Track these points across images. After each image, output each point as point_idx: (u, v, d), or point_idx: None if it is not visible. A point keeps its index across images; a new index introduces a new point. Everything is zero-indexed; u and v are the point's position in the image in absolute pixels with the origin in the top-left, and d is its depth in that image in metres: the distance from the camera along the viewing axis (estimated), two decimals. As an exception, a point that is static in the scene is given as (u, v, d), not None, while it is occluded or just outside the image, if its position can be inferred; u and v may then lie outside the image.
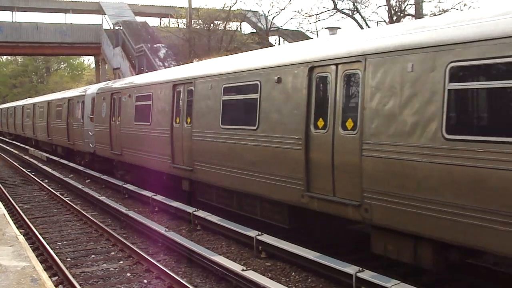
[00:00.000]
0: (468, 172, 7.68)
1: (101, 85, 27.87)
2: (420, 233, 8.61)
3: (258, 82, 12.58)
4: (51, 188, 22.64)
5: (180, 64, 32.35)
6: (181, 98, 16.53)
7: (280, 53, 13.16)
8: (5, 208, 16.84)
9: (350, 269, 9.34)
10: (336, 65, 10.29)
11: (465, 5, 31.06)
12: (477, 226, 7.60)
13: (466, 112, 8.12)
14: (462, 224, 7.79)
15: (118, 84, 24.02)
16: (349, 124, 9.88)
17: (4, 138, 65.72)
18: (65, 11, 62.66)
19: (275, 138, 11.87)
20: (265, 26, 45.50)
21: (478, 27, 7.75)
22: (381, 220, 9.29)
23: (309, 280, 10.45)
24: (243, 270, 9.91)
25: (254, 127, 12.60)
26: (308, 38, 42.06)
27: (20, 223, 15.83)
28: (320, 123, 10.62)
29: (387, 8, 33.66)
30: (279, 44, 51.40)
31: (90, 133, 26.26)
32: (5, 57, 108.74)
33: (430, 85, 8.29)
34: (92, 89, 27.97)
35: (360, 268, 9.23)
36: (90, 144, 26.25)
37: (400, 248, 9.33)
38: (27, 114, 47.30)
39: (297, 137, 11.11)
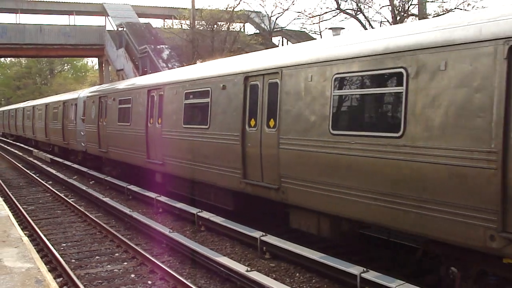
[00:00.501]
0: (346, 159, 10.00)
1: (92, 89, 30.26)
2: (321, 209, 10.94)
3: (209, 89, 15.08)
4: (55, 189, 22.68)
5: (184, 65, 32.40)
6: (154, 102, 18.97)
7: (226, 65, 15.49)
8: (10, 210, 16.85)
9: (355, 269, 9.35)
10: (263, 75, 12.72)
11: (468, 4, 31.05)
12: (358, 203, 9.73)
13: (343, 113, 10.54)
14: (348, 201, 9.97)
15: (105, 88, 26.77)
16: (271, 123, 12.30)
17: (6, 139, 66.77)
18: (69, 13, 62.74)
19: (221, 135, 14.39)
20: (268, 26, 45.54)
21: (350, 48, 10.31)
22: (293, 200, 11.67)
23: (313, 280, 10.45)
24: (247, 271, 9.91)
25: (207, 126, 15.09)
26: (311, 38, 42.07)
27: (24, 225, 15.86)
28: (252, 122, 13.08)
29: (390, 8, 33.61)
30: (282, 44, 51.38)
31: (82, 133, 28.58)
32: (9, 59, 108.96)
33: (322, 92, 10.71)
34: (84, 93, 30.33)
35: (365, 269, 9.24)
36: (82, 143, 28.67)
37: (309, 223, 11.73)
38: (27, 116, 49.87)
39: (236, 134, 13.56)
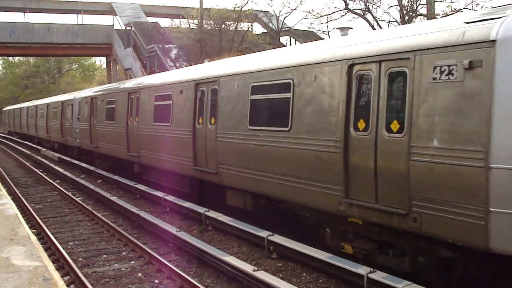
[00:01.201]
0: (258, 148, 12.99)
1: (86, 91, 33.42)
2: (244, 188, 13.95)
3: (171, 93, 18.25)
4: (63, 188, 22.75)
5: (191, 65, 32.45)
6: (133, 103, 22.14)
7: (183, 73, 18.88)
8: (18, 208, 16.90)
9: (362, 269, 9.33)
10: (207, 83, 15.85)
11: (477, 4, 30.91)
12: (266, 182, 12.66)
13: (256, 113, 13.32)
14: (260, 180, 12.89)
15: (95, 90, 30.06)
16: (212, 121, 15.38)
17: (11, 137, 68.18)
18: (77, 12, 62.93)
19: (179, 130, 17.27)
20: (276, 26, 45.47)
21: (261, 64, 13.52)
22: (227, 182, 14.68)
23: (320, 280, 10.44)
24: (254, 270, 9.90)
25: (169, 124, 18.17)
26: (319, 38, 42.01)
27: (32, 223, 15.91)
28: (200, 120, 16.14)
29: (398, 8, 33.50)
30: (290, 44, 51.35)
31: (77, 131, 31.73)
32: (17, 58, 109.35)
33: (244, 97, 13.70)
34: (79, 94, 33.29)
35: (372, 269, 9.22)
36: (77, 140, 31.93)
37: (239, 200, 14.60)
38: (31, 115, 53.08)
39: (189, 129, 16.57)
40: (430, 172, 8.50)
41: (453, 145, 8.18)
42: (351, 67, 10.20)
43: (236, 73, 14.44)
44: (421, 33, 9.05)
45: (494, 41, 7.69)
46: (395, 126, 9.22)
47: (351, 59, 10.20)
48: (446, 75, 8.34)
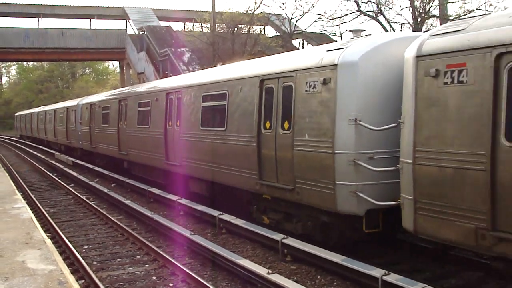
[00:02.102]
0: (207, 144, 16.50)
1: (87, 98, 37.52)
2: (201, 177, 17.40)
3: (149, 100, 21.92)
4: (77, 192, 22.85)
5: (204, 68, 32.55)
6: (122, 109, 25.82)
7: (156, 84, 23.42)
8: (32, 212, 17.00)
9: (376, 272, 9.29)
10: (174, 92, 19.45)
11: (490, 5, 30.72)
12: (215, 171, 16.00)
13: (205, 116, 16.87)
14: (209, 170, 16.40)
15: (94, 98, 34.26)
16: (178, 123, 18.84)
17: (23, 141, 69.89)
18: (90, 17, 63.29)
19: (155, 132, 20.89)
20: (288, 29, 45.38)
21: (208, 78, 17.29)
22: (189, 172, 18.11)
23: (335, 283, 10.41)
24: (268, 273, 9.89)
25: (148, 126, 21.75)
26: (332, 40, 41.89)
27: (47, 227, 15.99)
28: (170, 123, 19.63)
29: (411, 10, 33.37)
30: (303, 47, 51.28)
31: (79, 133, 35.41)
32: (31, 63, 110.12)
33: (198, 104, 17.23)
34: (82, 101, 37.11)
35: (386, 271, 9.18)
36: (80, 142, 35.55)
37: (198, 187, 18.00)
38: (41, 120, 56.58)
39: (161, 131, 20.18)
40: (304, 158, 11.85)
41: (316, 138, 11.51)
42: (262, 82, 13.61)
43: (193, 85, 18.15)
44: (301, 58, 12.99)
45: (336, 65, 11.06)
46: (286, 125, 12.57)
47: (262, 75, 13.66)
48: (312, 88, 11.68)
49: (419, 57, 9.04)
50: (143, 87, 25.25)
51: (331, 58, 11.28)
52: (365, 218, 10.84)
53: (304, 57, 13.02)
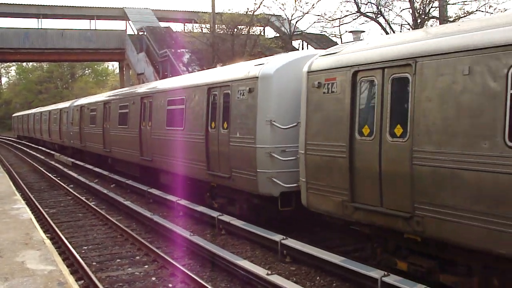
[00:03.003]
0: (170, 141, 19.15)
1: (77, 101, 40.17)
2: (166, 170, 20.36)
3: (128, 104, 24.85)
4: (77, 193, 22.85)
5: (204, 69, 32.59)
6: (106, 111, 28.85)
7: (132, 90, 26.63)
8: (32, 213, 17.00)
9: (375, 273, 9.31)
10: (147, 97, 22.49)
11: (490, 6, 30.81)
12: (177, 165, 18.60)
13: (169, 118, 19.50)
14: (175, 164, 18.89)
15: (84, 100, 37.09)
16: (149, 124, 21.69)
17: (20, 141, 71.57)
18: (90, 17, 63.23)
19: (131, 131, 23.79)
20: (288, 30, 45.36)
21: (173, 84, 20.38)
22: (158, 166, 21.10)
23: (334, 284, 10.42)
24: (267, 274, 9.89)
25: (126, 126, 24.62)
26: (332, 41, 41.98)
27: (46, 228, 16.00)
28: (143, 123, 22.53)
29: (411, 11, 33.39)
30: (302, 48, 51.28)
31: (71, 133, 38.38)
32: (31, 63, 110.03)
33: (164, 107, 20.06)
34: (73, 103, 39.90)
35: (385, 273, 9.20)
36: (71, 141, 38.53)
37: (166, 179, 20.96)
38: (37, 121, 59.73)
39: (136, 130, 23.06)
40: (236, 151, 14.62)
41: (244, 135, 14.27)
42: (209, 89, 16.49)
43: (161, 91, 21.34)
44: (236, 71, 15.60)
45: (257, 77, 13.91)
46: (225, 125, 15.37)
47: (209, 84, 16.61)
48: (242, 95, 14.49)
49: (309, 72, 11.79)
50: (123, 92, 28.42)
51: (255, 71, 14.21)
52: (280, 199, 13.54)
53: (238, 70, 15.56)
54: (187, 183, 18.75)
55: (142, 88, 24.83)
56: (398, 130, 9.42)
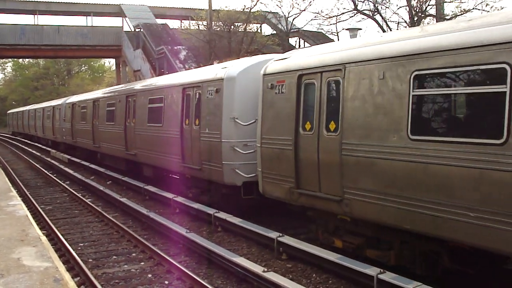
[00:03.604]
0: (150, 137, 21.23)
1: (69, 98, 42.40)
2: (146, 163, 22.30)
3: (114, 102, 26.71)
4: (73, 189, 22.82)
5: (201, 66, 32.57)
6: (95, 109, 30.57)
7: (116, 90, 28.72)
8: (28, 209, 16.98)
9: (371, 270, 9.32)
10: (131, 96, 24.28)
11: (487, 5, 30.73)
12: (156, 158, 20.44)
13: (150, 115, 21.05)
14: (154, 157, 20.64)
15: (75, 98, 39.11)
16: (133, 121, 23.33)
17: (17, 137, 72.52)
18: (86, 14, 63.09)
19: (116, 127, 25.61)
20: (285, 27, 45.35)
21: (153, 84, 22.52)
22: (141, 160, 22.70)
23: (330, 281, 10.44)
24: (264, 271, 9.90)
25: (113, 123, 26.37)
26: (329, 39, 41.93)
27: (42, 224, 15.98)
28: (131, 120, 23.72)
29: (407, 9, 33.34)
30: (299, 45, 51.25)
31: (63, 130, 40.39)
32: (27, 59, 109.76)
33: (146, 105, 21.75)
34: (65, 100, 41.94)
35: (381, 270, 9.21)
36: (63, 137, 40.70)
37: (148, 171, 22.66)
38: (31, 117, 61.85)
39: (121, 127, 24.77)
40: (206, 146, 16.10)
41: (212, 131, 15.79)
42: (184, 89, 18.07)
43: (143, 90, 23.03)
44: (207, 73, 17.24)
45: (223, 79, 15.48)
46: (197, 122, 16.90)
47: (184, 84, 18.28)
48: (211, 95, 15.98)
49: (265, 75, 13.35)
50: (111, 91, 29.99)
51: (221, 73, 15.79)
52: (242, 188, 14.99)
53: (208, 72, 17.24)
54: (166, 175, 20.97)
55: (127, 87, 26.85)
56: (332, 125, 11.01)
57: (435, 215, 8.55)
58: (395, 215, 9.32)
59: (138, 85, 25.37)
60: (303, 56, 12.51)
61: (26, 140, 62.31)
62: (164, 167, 20.28)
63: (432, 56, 8.68)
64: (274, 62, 13.34)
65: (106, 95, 29.60)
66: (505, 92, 7.56)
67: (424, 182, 8.72)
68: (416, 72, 8.93)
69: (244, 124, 14.90)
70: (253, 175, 14.39)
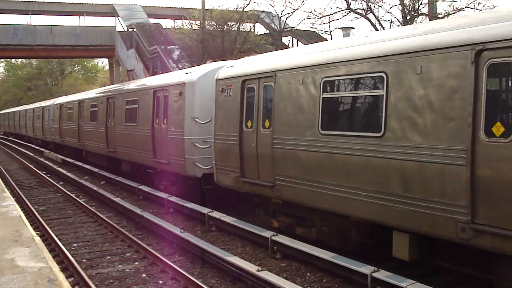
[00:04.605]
0: (127, 135, 22.65)
1: (58, 99, 44.42)
2: (127, 160, 23.75)
3: (97, 103, 28.40)
4: (67, 190, 22.78)
5: (194, 66, 32.56)
6: (81, 110, 32.20)
7: (107, 90, 28.97)
8: (22, 210, 16.93)
9: (365, 269, 9.34)
10: (111, 97, 25.85)
11: (479, 3, 30.83)
12: (134, 154, 22.19)
13: (127, 115, 22.85)
14: (132, 154, 22.39)
15: (63, 99, 40.94)
16: (113, 121, 24.87)
17: (5, 137, 74.97)
18: (79, 14, 62.96)
19: (99, 126, 27.50)
20: (278, 27, 45.39)
21: (130, 86, 24.59)
22: (120, 157, 24.39)
23: (324, 280, 10.46)
24: (258, 270, 9.92)
25: (96, 123, 28.08)
26: (321, 38, 41.96)
27: (36, 225, 15.95)
28: (110, 120, 25.56)
29: (400, 7, 33.42)
30: (292, 45, 51.29)
31: (52, 129, 41.95)
32: (20, 60, 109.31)
33: (123, 106, 23.60)
34: (54, 101, 43.73)
35: (375, 268, 9.23)
36: (52, 136, 42.20)
37: (125, 167, 24.43)
38: (22, 118, 63.79)
39: (103, 127, 26.36)
40: (172, 142, 17.86)
41: (176, 129, 17.47)
42: (154, 92, 19.83)
43: (121, 92, 24.94)
44: (173, 77, 19.34)
45: (185, 83, 17.27)
46: (165, 121, 18.59)
47: (154, 87, 20.13)
48: (176, 97, 17.74)
49: (217, 80, 15.34)
50: (94, 93, 32.22)
51: (184, 78, 17.69)
52: (203, 179, 16.76)
53: (174, 76, 19.51)
54: (140, 170, 22.67)
55: (108, 90, 28.98)
56: (267, 123, 13.02)
57: (339, 196, 10.51)
58: (309, 197, 11.34)
59: (116, 88, 27.67)
60: (247, 64, 14.69)
61: (18, 140, 62.19)
62: (139, 162, 22.02)
63: (335, 66, 10.74)
64: (225, 69, 15.44)
65: (90, 96, 31.78)
66: (383, 95, 9.49)
67: (330, 168, 10.73)
68: (325, 79, 10.95)
69: (203, 122, 16.66)
70: (210, 167, 16.12)
